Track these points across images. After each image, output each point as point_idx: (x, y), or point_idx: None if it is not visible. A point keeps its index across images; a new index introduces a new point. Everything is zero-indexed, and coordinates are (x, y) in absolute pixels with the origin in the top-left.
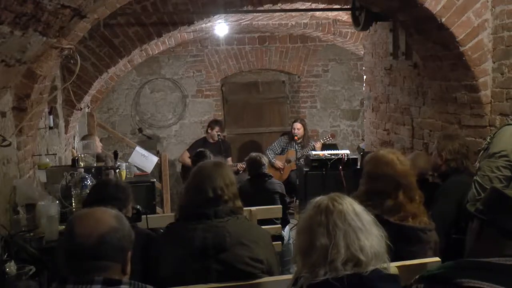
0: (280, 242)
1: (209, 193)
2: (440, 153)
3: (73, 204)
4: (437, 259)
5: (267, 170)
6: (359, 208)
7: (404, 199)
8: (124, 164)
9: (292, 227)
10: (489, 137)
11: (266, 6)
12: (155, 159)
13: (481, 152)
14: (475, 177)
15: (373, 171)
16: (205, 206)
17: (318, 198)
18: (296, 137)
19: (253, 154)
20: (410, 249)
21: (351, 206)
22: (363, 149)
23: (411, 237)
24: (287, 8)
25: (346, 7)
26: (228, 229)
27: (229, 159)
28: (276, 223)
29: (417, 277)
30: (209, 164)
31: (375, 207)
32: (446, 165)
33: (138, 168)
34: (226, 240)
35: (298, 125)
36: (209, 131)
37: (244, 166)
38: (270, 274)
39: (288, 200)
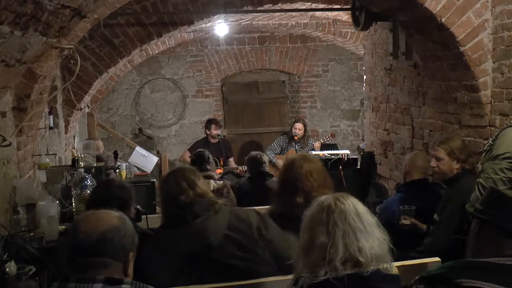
0: None
1: (182, 199)
2: (457, 156)
3: (73, 204)
4: (437, 259)
5: (267, 169)
6: (362, 209)
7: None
8: (124, 164)
9: None
10: (491, 139)
11: (266, 6)
12: (155, 159)
13: (483, 154)
14: (478, 179)
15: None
16: (182, 212)
17: (322, 197)
18: (296, 137)
19: (253, 152)
20: None
21: (353, 206)
22: (363, 149)
23: None
24: (287, 8)
25: (346, 7)
26: (210, 228)
27: (231, 159)
28: None
29: (417, 277)
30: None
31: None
32: (460, 167)
33: (138, 168)
34: (211, 239)
35: (299, 125)
36: (207, 132)
37: (244, 169)
38: (276, 251)
39: None
